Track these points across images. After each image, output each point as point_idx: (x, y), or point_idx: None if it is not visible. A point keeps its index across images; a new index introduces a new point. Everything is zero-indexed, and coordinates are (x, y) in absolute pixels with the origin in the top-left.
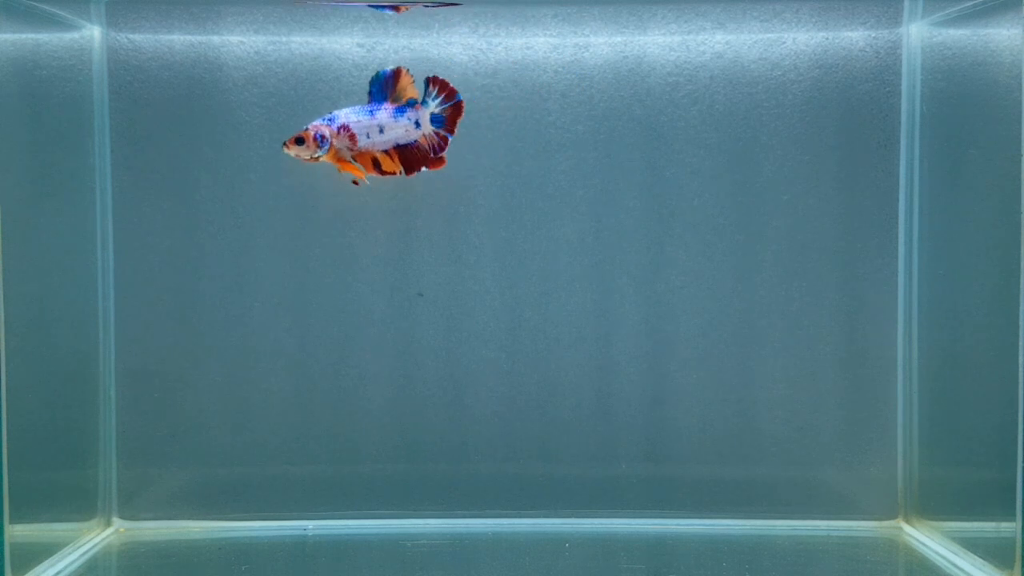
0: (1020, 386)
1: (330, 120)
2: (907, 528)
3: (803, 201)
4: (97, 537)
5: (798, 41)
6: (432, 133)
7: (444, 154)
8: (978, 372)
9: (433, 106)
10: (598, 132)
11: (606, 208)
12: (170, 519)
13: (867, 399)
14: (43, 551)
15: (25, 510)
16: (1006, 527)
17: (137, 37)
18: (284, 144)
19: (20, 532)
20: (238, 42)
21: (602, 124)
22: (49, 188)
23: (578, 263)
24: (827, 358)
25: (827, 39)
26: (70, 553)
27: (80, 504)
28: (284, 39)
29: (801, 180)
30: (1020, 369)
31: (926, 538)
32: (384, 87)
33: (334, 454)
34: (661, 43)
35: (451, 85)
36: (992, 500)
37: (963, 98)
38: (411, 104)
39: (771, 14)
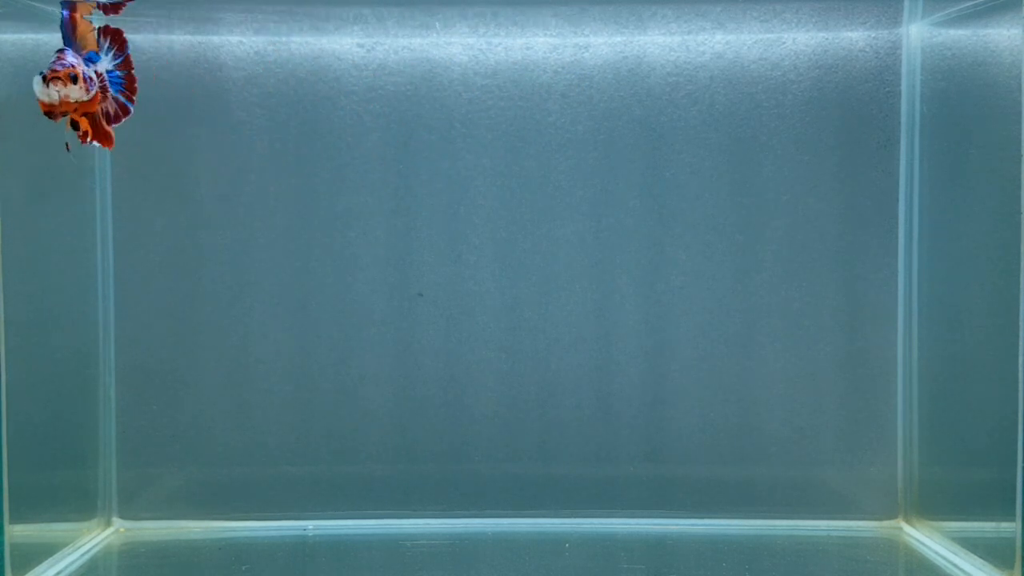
0: (1020, 386)
1: (88, 60)
2: (907, 528)
3: (803, 201)
4: (97, 537)
5: (798, 41)
6: (113, 98)
7: (113, 129)
8: (978, 372)
9: (107, 61)
10: (598, 132)
11: (606, 208)
12: (170, 519)
13: (867, 399)
14: (43, 551)
15: (25, 510)
16: (1006, 527)
17: (137, 37)
18: (47, 78)
19: (20, 532)
20: (238, 42)
21: (602, 124)
22: (49, 188)
23: (578, 263)
24: (827, 358)
25: (827, 39)
26: (70, 553)
27: (80, 504)
28: (284, 39)
29: (801, 180)
30: (1020, 369)
31: (926, 538)
32: (66, 31)
33: (334, 454)
34: (661, 43)
35: (125, 36)
36: (992, 500)
37: (963, 98)
38: (92, 58)
39: (771, 14)
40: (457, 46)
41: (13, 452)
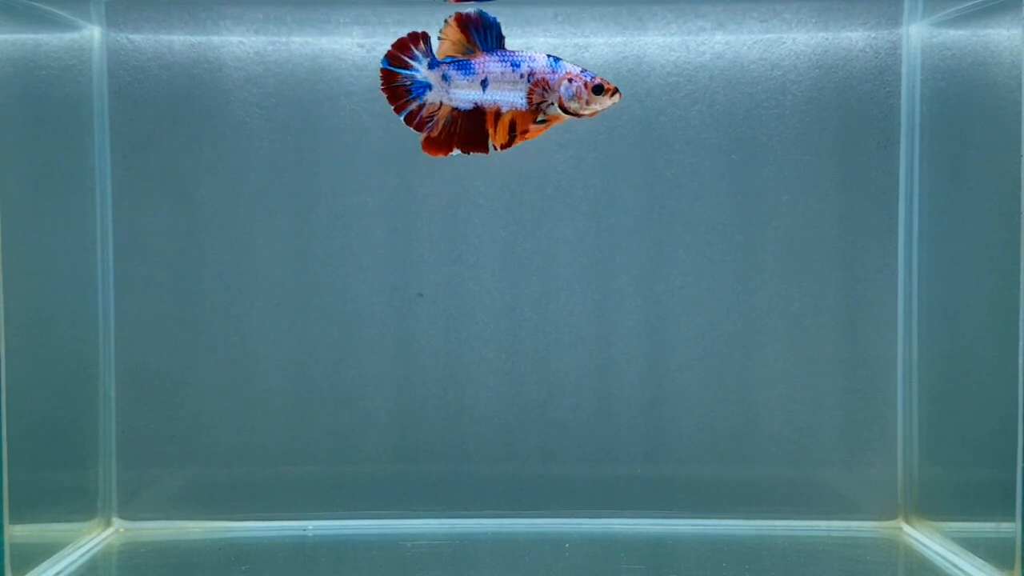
0: (1020, 386)
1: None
2: (907, 528)
3: (803, 201)
4: (97, 537)
5: (798, 41)
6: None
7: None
8: (978, 372)
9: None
10: (598, 132)
11: (606, 208)
12: (170, 519)
13: (867, 399)
14: (43, 551)
15: (25, 510)
16: (1006, 527)
17: (137, 37)
18: (608, 89)
19: (20, 532)
20: (238, 42)
21: (602, 124)
22: (49, 188)
23: (578, 263)
24: (827, 358)
25: (827, 39)
26: (70, 553)
27: (80, 504)
28: (284, 39)
29: (801, 180)
30: (1020, 369)
31: (926, 538)
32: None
33: (334, 454)
34: (661, 43)
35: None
36: (992, 500)
37: (963, 98)
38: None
39: (771, 14)
40: None
41: (13, 452)
